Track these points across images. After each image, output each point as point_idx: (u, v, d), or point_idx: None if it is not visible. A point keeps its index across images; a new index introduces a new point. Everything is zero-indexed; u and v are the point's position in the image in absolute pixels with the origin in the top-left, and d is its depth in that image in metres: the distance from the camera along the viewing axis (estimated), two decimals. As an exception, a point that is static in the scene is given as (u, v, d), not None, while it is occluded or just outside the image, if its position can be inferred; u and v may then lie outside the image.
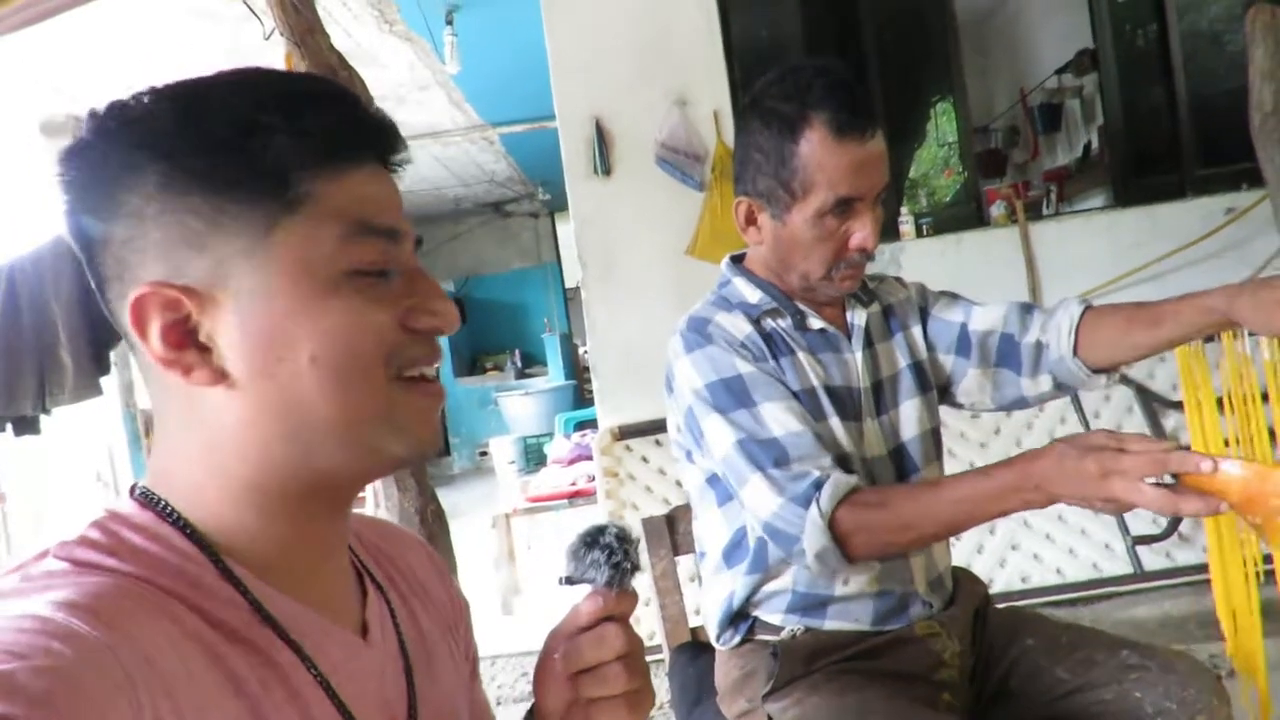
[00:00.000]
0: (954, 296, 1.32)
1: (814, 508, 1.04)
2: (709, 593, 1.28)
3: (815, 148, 1.11)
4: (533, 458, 6.33)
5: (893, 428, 1.24)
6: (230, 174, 0.53)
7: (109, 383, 3.00)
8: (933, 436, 1.27)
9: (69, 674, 0.42)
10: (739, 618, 1.24)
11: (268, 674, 0.53)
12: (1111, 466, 0.84)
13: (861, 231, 1.15)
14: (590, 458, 3.91)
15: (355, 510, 0.66)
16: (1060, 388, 1.22)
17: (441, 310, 0.59)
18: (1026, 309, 1.25)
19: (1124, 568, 2.89)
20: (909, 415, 1.24)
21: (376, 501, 2.19)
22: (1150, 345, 1.13)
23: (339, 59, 2.13)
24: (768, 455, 1.09)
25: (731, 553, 1.23)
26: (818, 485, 1.05)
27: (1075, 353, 1.17)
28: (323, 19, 2.12)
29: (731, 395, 1.13)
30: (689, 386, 1.17)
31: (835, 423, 1.17)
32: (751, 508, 1.11)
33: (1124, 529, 2.92)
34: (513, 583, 3.87)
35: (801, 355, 1.19)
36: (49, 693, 0.40)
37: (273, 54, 2.07)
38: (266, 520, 0.56)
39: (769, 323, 1.21)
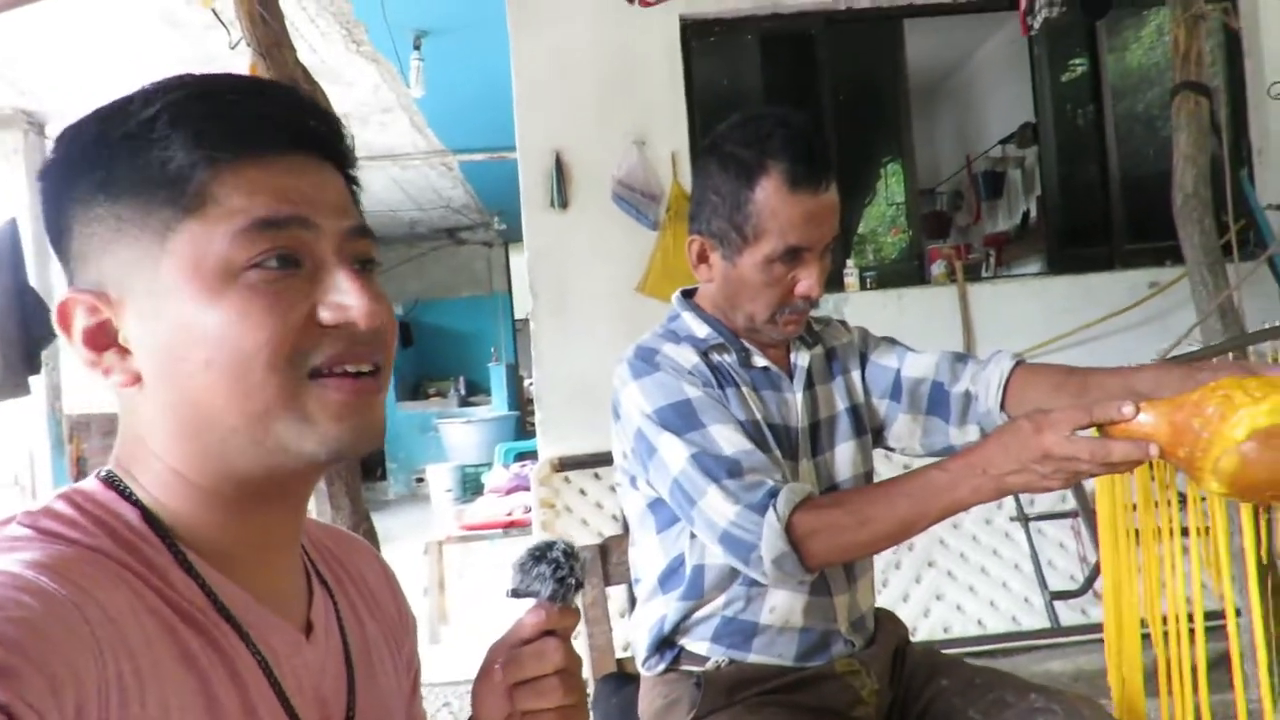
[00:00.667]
0: (892, 342, 1.36)
1: (770, 513, 1.05)
2: (640, 618, 1.29)
3: (770, 196, 1.14)
4: (470, 487, 6.27)
5: (828, 469, 1.27)
6: (126, 182, 0.54)
7: (37, 383, 2.91)
8: (866, 480, 1.30)
9: (39, 625, 0.43)
10: (666, 645, 1.25)
11: (215, 656, 0.54)
12: (1041, 421, 0.88)
13: (807, 280, 1.18)
14: (528, 489, 3.90)
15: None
16: None
17: (349, 303, 0.56)
18: (960, 359, 1.29)
19: (1041, 621, 2.97)
20: (844, 457, 1.27)
21: (308, 518, 2.15)
22: None
23: (304, 73, 2.14)
24: (721, 467, 1.11)
25: (667, 579, 1.24)
26: (773, 493, 1.07)
27: (1003, 407, 1.20)
28: (290, 33, 2.13)
29: (681, 417, 1.15)
30: (638, 410, 1.18)
31: (775, 457, 1.19)
32: (707, 519, 1.11)
33: (1043, 583, 3.01)
34: (441, 611, 3.81)
35: (744, 390, 1.22)
36: (20, 641, 0.42)
37: (239, 64, 2.07)
38: (209, 512, 0.57)
39: (715, 357, 1.23)
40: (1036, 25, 2.78)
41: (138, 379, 0.56)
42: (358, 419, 0.57)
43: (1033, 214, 5.21)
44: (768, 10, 3.71)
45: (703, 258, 1.25)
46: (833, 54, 3.79)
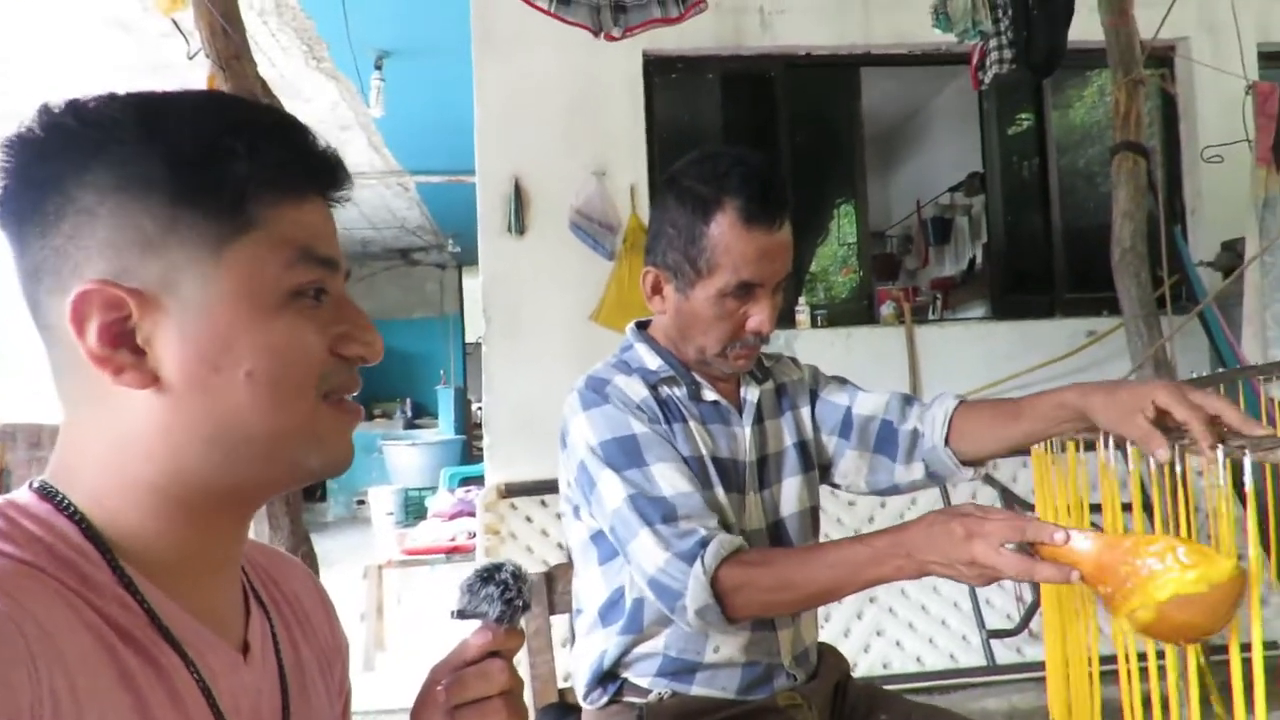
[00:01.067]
0: (843, 381, 1.39)
1: (698, 564, 1.06)
2: (581, 650, 1.29)
3: (725, 231, 1.16)
4: (413, 510, 6.15)
5: (773, 503, 1.28)
6: (191, 188, 0.54)
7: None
8: (811, 515, 1.32)
9: None
10: (609, 678, 1.25)
11: (153, 675, 0.53)
12: (974, 529, 0.90)
13: (759, 315, 1.19)
14: (472, 514, 3.85)
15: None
16: (932, 476, 1.29)
17: (371, 340, 0.62)
18: (908, 400, 1.32)
19: (978, 659, 3.02)
20: (790, 492, 1.29)
21: (245, 538, 2.10)
22: (1012, 437, 1.20)
23: (263, 87, 2.12)
24: (656, 511, 1.11)
25: (608, 611, 1.24)
26: (703, 543, 1.08)
27: (947, 443, 1.23)
28: (250, 46, 2.12)
29: (625, 454, 1.16)
30: (584, 442, 1.19)
31: (719, 493, 1.20)
32: (638, 562, 1.12)
33: (980, 622, 3.06)
34: (378, 638, 3.72)
35: (693, 424, 1.23)
36: None
37: (196, 74, 2.05)
38: (164, 525, 0.56)
39: (665, 390, 1.24)
40: (987, 80, 2.88)
41: (151, 381, 0.55)
42: (351, 440, 0.63)
43: (978, 260, 5.36)
44: (729, 51, 3.80)
45: (657, 289, 1.26)
46: (792, 97, 3.89)
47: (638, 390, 1.21)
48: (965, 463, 1.24)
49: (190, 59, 2.16)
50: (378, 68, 4.20)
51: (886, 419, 1.30)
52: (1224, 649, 0.85)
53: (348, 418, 0.62)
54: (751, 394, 1.29)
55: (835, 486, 1.37)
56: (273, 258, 0.57)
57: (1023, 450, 1.26)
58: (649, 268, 1.26)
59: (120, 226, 0.54)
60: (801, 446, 1.32)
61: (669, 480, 1.13)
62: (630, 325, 1.35)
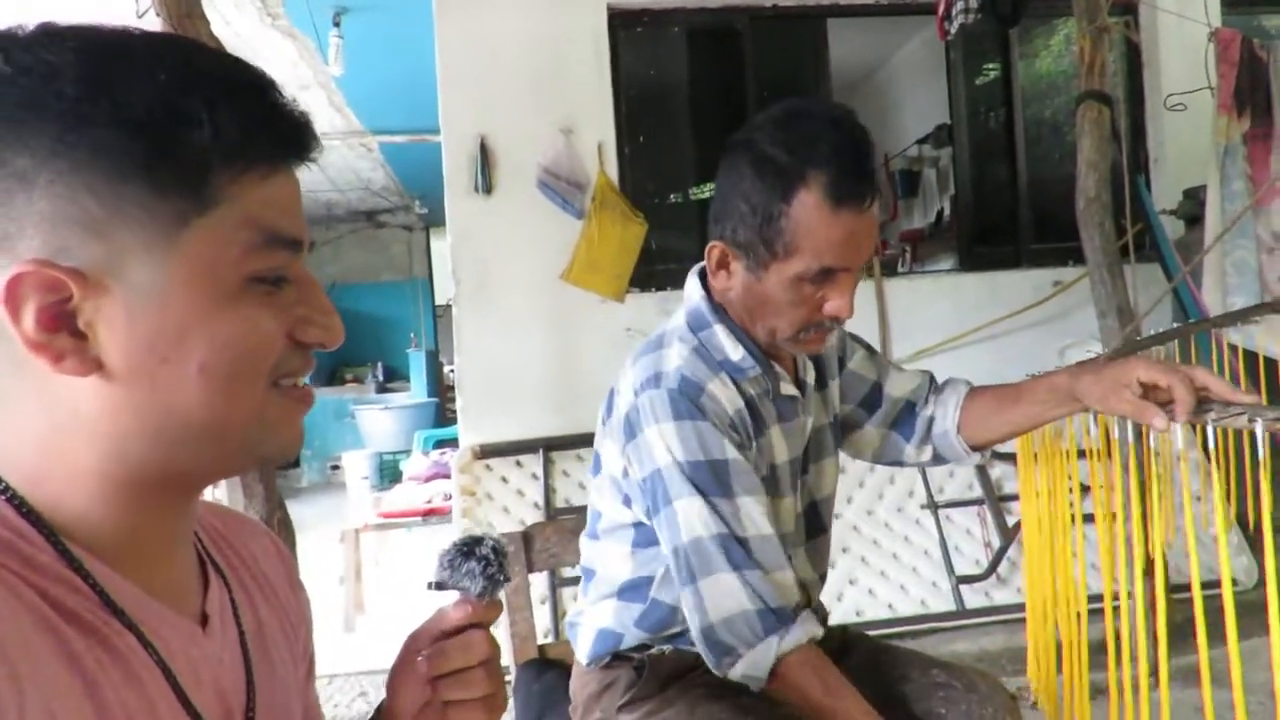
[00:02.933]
0: (870, 350, 1.36)
1: (775, 639, 1.03)
2: (589, 614, 1.27)
3: (809, 211, 1.03)
4: (388, 474, 6.16)
5: (816, 482, 1.25)
6: (143, 160, 0.49)
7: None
8: (830, 502, 1.31)
9: None
10: (611, 641, 1.25)
11: (104, 655, 0.51)
12: None
13: (839, 300, 1.08)
14: (448, 476, 3.86)
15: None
16: (938, 459, 1.31)
17: (331, 324, 0.58)
18: (933, 383, 1.33)
19: (948, 604, 3.10)
20: (827, 473, 1.27)
21: (219, 506, 2.09)
22: (1014, 422, 1.23)
23: (218, 47, 2.06)
24: (741, 555, 1.06)
25: (630, 591, 1.22)
26: (788, 620, 1.04)
27: (959, 430, 1.26)
28: (202, 4, 2.05)
29: (716, 479, 1.08)
30: (667, 452, 1.10)
31: (788, 500, 1.18)
32: (706, 602, 1.07)
33: (950, 568, 3.13)
34: (357, 600, 3.74)
35: (774, 430, 1.17)
36: None
37: (146, 33, 1.98)
38: (109, 507, 0.54)
39: (749, 390, 1.16)
40: (953, 30, 2.87)
41: (94, 368, 0.50)
42: (302, 425, 0.60)
43: (946, 213, 5.39)
44: (695, 4, 3.74)
45: (723, 264, 1.14)
46: (758, 50, 3.85)
47: (734, 400, 1.12)
48: (974, 448, 1.28)
49: (140, 16, 2.09)
50: (336, 24, 4.09)
51: (911, 401, 1.32)
52: (1186, 588, 0.89)
53: (298, 405, 0.59)
54: (809, 376, 1.23)
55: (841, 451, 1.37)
56: (234, 240, 0.52)
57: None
58: (715, 242, 1.13)
59: (61, 199, 0.48)
60: (834, 423, 1.30)
61: (753, 519, 1.08)
62: (699, 293, 1.20)
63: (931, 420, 1.29)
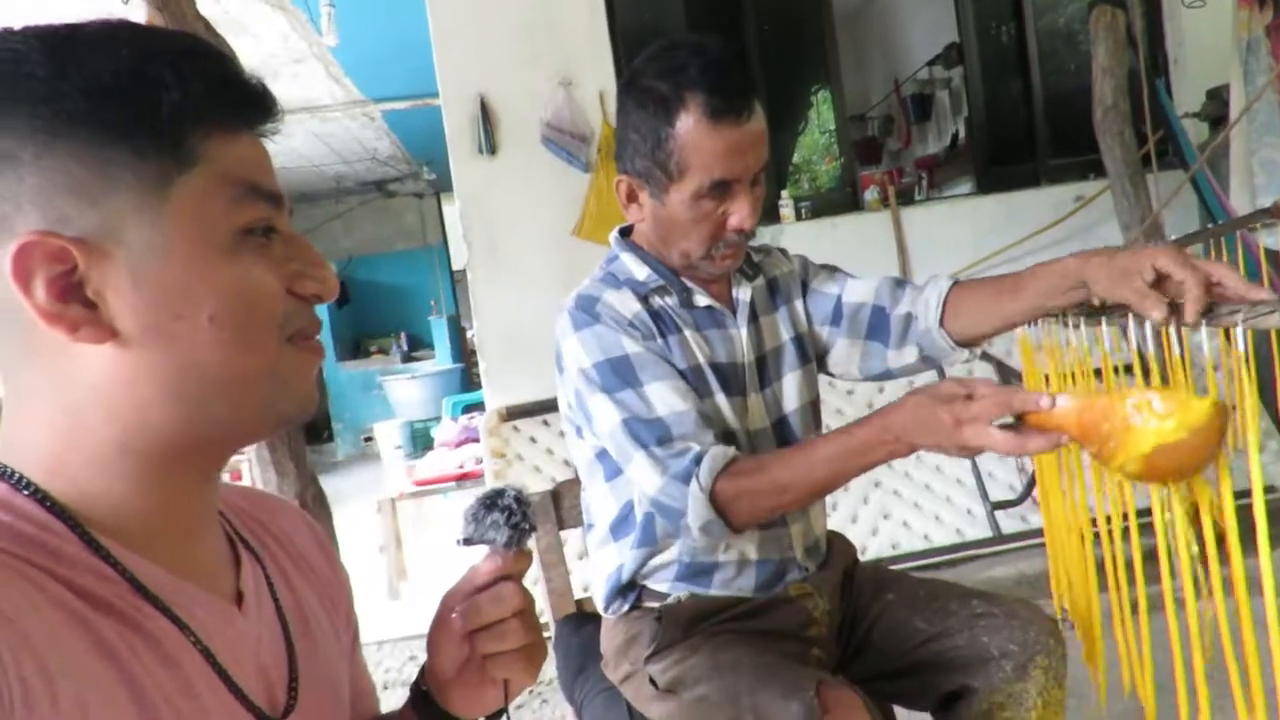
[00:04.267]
0: (832, 270, 1.37)
1: (694, 482, 1.07)
2: (597, 564, 1.31)
3: (690, 130, 1.11)
4: (420, 442, 6.23)
5: (775, 400, 1.28)
6: (120, 123, 0.51)
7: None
8: (812, 408, 1.32)
9: None
10: (627, 589, 1.27)
11: (138, 640, 0.51)
12: (962, 415, 0.90)
13: (739, 213, 1.15)
14: (478, 440, 3.88)
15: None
16: (925, 359, 1.27)
17: (325, 276, 0.60)
18: (899, 283, 1.30)
19: (984, 531, 3.09)
20: (791, 388, 1.29)
21: (253, 486, 2.12)
22: (1012, 313, 1.16)
23: (206, 26, 2.04)
24: (651, 434, 1.11)
25: (619, 526, 1.26)
26: (697, 460, 1.08)
27: (942, 324, 1.22)
28: (188, -17, 2.02)
29: (618, 375, 1.14)
30: (576, 365, 1.18)
31: (720, 399, 1.20)
32: (638, 486, 1.14)
33: (984, 495, 3.12)
34: (399, 567, 3.81)
35: (688, 333, 1.21)
36: None
37: (133, 16, 1.96)
38: (134, 486, 0.54)
39: (657, 300, 1.22)
40: (956, -57, 2.76)
41: (110, 334, 0.52)
42: (314, 381, 0.61)
43: (961, 135, 5.27)
44: (688, -62, 3.63)
45: (632, 197, 1.22)
46: (756, -19, 3.74)
47: (629, 305, 1.19)
48: (961, 343, 1.22)
49: (126, 3, 2.07)
50: (325, -7, 4.02)
51: (878, 305, 1.28)
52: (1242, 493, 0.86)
53: (310, 358, 0.60)
54: (744, 293, 1.27)
55: (830, 375, 1.37)
56: (219, 194, 0.54)
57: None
58: (620, 176, 1.22)
59: (50, 171, 0.50)
60: (798, 340, 1.31)
61: (663, 399, 1.13)
62: (614, 234, 1.31)
63: (909, 319, 1.25)
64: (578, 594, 1.55)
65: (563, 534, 1.54)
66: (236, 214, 0.55)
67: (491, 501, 0.69)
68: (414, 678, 0.74)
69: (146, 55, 0.52)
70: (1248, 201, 2.86)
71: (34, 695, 0.44)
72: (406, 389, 7.69)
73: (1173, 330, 1.01)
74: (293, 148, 6.59)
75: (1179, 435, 0.80)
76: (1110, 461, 0.85)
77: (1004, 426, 0.91)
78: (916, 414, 0.95)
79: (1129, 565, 1.19)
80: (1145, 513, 1.82)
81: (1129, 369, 1.72)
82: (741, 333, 1.25)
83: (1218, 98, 3.31)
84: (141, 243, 0.52)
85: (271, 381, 0.57)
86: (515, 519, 0.68)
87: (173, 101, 0.52)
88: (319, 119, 6.07)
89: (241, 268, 0.55)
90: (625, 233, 1.31)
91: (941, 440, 0.93)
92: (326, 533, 2.16)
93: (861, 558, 1.41)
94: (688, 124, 1.11)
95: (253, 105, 0.57)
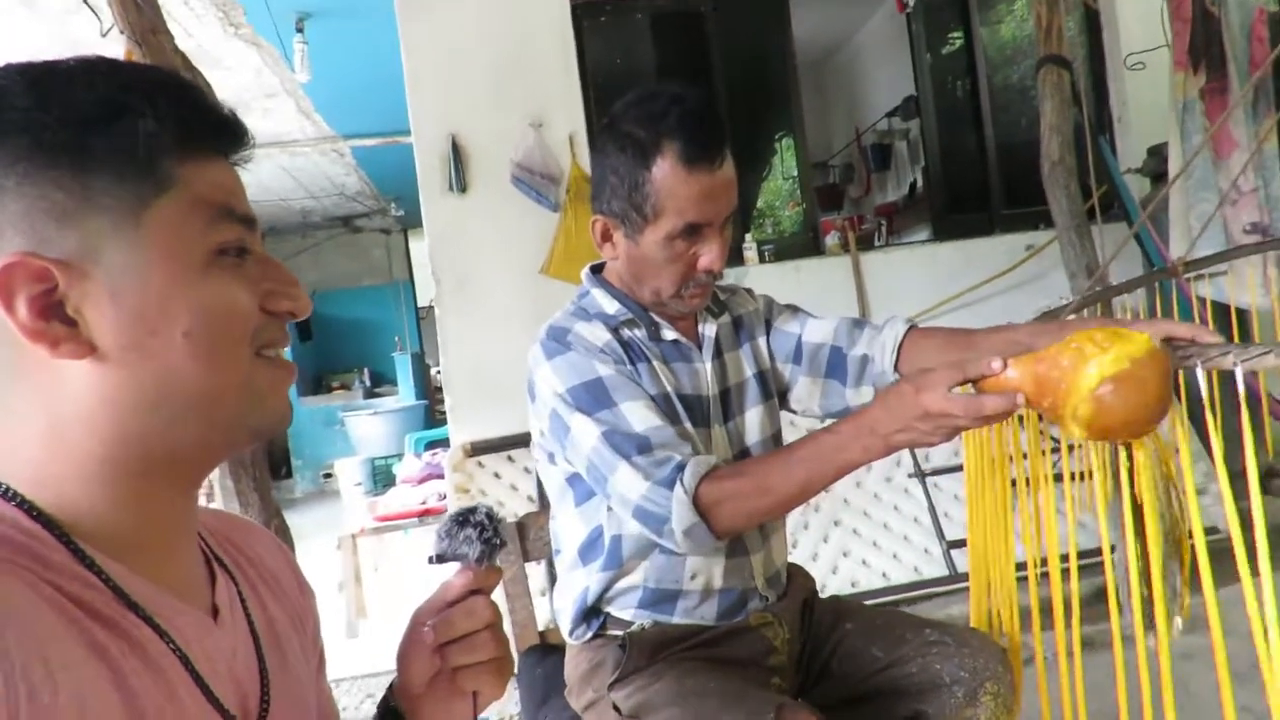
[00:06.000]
0: (795, 309, 1.42)
1: (678, 487, 1.10)
2: (563, 589, 1.33)
3: (667, 175, 1.16)
4: (381, 479, 6.16)
5: (738, 433, 1.32)
6: (99, 151, 0.54)
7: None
8: (774, 441, 1.36)
9: None
10: (592, 614, 1.29)
11: (125, 646, 0.53)
12: (921, 384, 0.95)
13: (709, 254, 1.20)
14: (441, 476, 3.87)
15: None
16: None
17: (297, 295, 0.63)
18: (857, 324, 1.36)
19: (940, 569, 3.15)
20: (754, 421, 1.33)
21: (215, 518, 2.10)
22: None
23: (183, 60, 2.07)
24: (632, 444, 1.14)
25: (587, 550, 1.28)
26: (680, 467, 1.11)
27: (896, 367, 1.27)
28: (165, 18, 2.05)
29: (593, 397, 1.18)
30: (551, 391, 1.21)
31: (687, 427, 1.24)
32: (620, 494, 1.15)
33: (940, 533, 3.18)
34: (358, 605, 3.76)
35: (656, 364, 1.25)
36: None
37: (110, 51, 1.98)
38: (115, 498, 0.56)
39: (625, 332, 1.26)
40: (911, 3, 2.90)
41: (89, 350, 0.54)
42: (288, 397, 0.64)
43: (919, 184, 5.43)
44: (657, -11, 3.75)
45: (606, 237, 1.27)
46: (723, 32, 3.86)
47: (599, 335, 1.23)
48: None
49: (104, 36, 2.09)
50: (299, 30, 4.07)
51: (836, 345, 1.34)
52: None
53: (283, 373, 0.63)
54: (709, 329, 1.31)
55: (792, 412, 1.42)
56: (194, 216, 0.57)
57: None
58: (597, 216, 1.26)
59: (32, 197, 0.53)
60: (761, 376, 1.35)
61: (639, 416, 1.16)
62: (585, 270, 1.36)
63: (865, 360, 1.31)
64: (540, 626, 1.56)
65: (527, 566, 1.55)
66: (211, 235, 0.57)
67: (464, 518, 0.72)
68: (370, 716, 0.75)
69: (122, 87, 0.55)
70: (1186, 252, 3.00)
71: (36, 686, 0.45)
72: (368, 425, 7.62)
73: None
74: (260, 181, 6.58)
75: (1121, 365, 0.84)
76: (1064, 410, 0.88)
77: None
78: (885, 400, 1.00)
79: (1079, 602, 1.24)
80: (1092, 553, 1.88)
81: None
82: (706, 367, 1.30)
83: (1158, 154, 3.47)
84: (119, 262, 0.54)
85: (246, 394, 0.60)
86: (487, 534, 0.71)
87: (148, 129, 0.55)
88: (288, 153, 6.09)
89: (216, 285, 0.57)
90: (597, 270, 1.36)
91: (906, 414, 0.96)
92: (291, 563, 2.10)
93: (821, 595, 1.45)
94: (665, 169, 1.16)
95: (225, 133, 0.61)
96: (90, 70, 0.56)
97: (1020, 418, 1.46)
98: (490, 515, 0.72)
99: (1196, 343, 1.04)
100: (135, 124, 0.55)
